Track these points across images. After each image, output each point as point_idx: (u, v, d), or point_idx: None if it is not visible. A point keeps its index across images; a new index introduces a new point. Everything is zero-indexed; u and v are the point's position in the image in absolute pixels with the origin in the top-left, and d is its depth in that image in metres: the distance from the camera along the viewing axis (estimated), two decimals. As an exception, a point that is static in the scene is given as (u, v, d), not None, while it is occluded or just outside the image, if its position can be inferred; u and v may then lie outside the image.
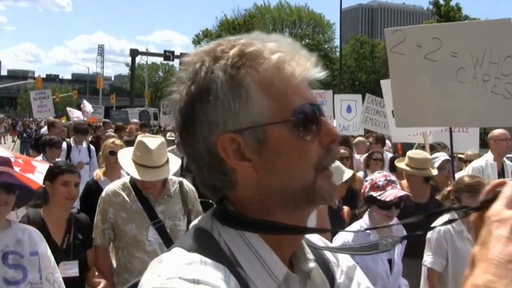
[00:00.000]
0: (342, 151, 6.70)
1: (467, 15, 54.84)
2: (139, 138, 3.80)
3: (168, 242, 3.62)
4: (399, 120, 5.41)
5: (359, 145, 10.36)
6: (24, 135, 25.94)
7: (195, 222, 1.09)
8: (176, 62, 50.64)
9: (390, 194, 3.67)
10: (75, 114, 23.41)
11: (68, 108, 26.55)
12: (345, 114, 12.76)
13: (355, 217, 5.65)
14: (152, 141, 3.71)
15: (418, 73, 5.08)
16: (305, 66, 1.01)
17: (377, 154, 8.03)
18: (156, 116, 36.10)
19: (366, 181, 3.89)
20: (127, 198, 3.76)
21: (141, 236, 3.69)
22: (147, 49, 68.46)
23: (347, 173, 4.89)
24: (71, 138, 9.81)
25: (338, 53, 58.55)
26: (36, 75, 79.69)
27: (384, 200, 3.66)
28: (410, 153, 5.75)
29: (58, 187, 3.71)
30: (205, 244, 0.98)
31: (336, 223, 5.20)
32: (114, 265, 3.93)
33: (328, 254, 1.18)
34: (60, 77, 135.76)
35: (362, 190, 3.85)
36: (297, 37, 67.27)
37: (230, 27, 59.33)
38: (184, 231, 3.72)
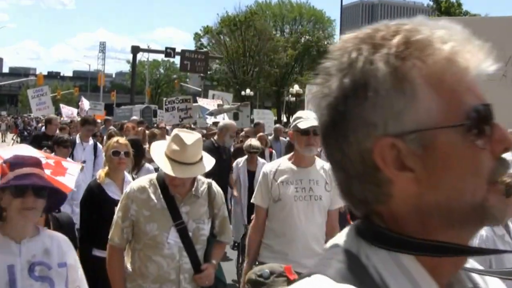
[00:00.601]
0: None
1: (468, 10, 54.86)
2: (175, 131, 3.54)
3: (188, 246, 3.45)
4: None
5: None
6: (25, 133, 25.92)
7: (335, 241, 0.91)
8: (177, 59, 50.67)
9: None
10: (65, 110, 23.33)
11: (61, 105, 26.26)
12: None
13: None
14: (189, 136, 3.44)
15: None
16: (480, 58, 0.86)
17: None
18: (156, 113, 36.13)
19: None
20: (152, 195, 3.49)
21: (161, 237, 3.42)
22: (148, 46, 68.69)
23: None
24: (77, 135, 9.24)
25: (338, 50, 58.72)
26: (37, 73, 79.84)
27: None
28: None
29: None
30: (354, 271, 0.82)
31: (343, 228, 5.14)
32: (129, 269, 3.57)
33: (476, 277, 0.99)
34: (62, 74, 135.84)
35: None
36: (298, 34, 67.55)
37: (231, 23, 59.40)
38: (206, 236, 3.56)
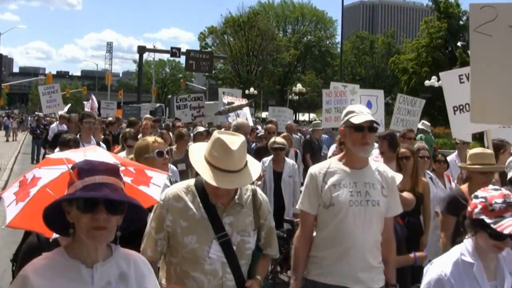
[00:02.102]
0: (402, 150, 5.76)
1: (466, 10, 55.90)
2: (216, 134, 3.06)
3: (232, 261, 3.05)
4: (476, 114, 4.63)
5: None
6: (38, 131, 24.21)
7: None
8: (182, 59, 51.31)
9: (510, 225, 2.74)
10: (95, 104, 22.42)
11: (92, 96, 24.70)
12: None
13: (413, 225, 5.34)
14: (233, 140, 3.01)
15: (507, 60, 4.31)
16: None
17: (441, 155, 7.27)
18: (163, 111, 36.83)
19: (476, 197, 2.95)
20: (190, 204, 3.07)
21: (202, 251, 3.00)
22: (154, 46, 69.79)
23: (397, 178, 3.94)
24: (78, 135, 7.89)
25: (339, 49, 59.83)
26: (46, 72, 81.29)
27: (500, 232, 2.75)
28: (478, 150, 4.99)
29: None
30: None
31: (395, 232, 4.13)
32: (164, 285, 3.13)
33: None
34: (70, 73, 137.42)
35: (470, 208, 2.94)
36: (300, 34, 68.61)
37: (235, 24, 60.51)
38: (252, 249, 3.16)
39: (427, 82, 38.89)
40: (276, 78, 62.77)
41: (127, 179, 2.49)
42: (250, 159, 3.13)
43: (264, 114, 45.08)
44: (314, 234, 3.66)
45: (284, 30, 70.37)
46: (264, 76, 60.67)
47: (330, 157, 9.20)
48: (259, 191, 3.32)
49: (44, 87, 18.53)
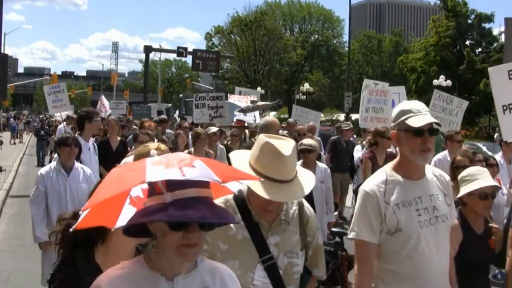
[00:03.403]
0: (459, 158, 5.32)
1: (474, 9, 55.54)
2: (264, 138, 2.64)
3: (279, 287, 2.66)
4: None
5: None
6: (42, 132, 23.47)
7: None
8: (189, 59, 51.20)
9: None
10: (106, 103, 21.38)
11: (102, 97, 23.39)
12: (390, 110, 9.78)
13: None
14: (283, 145, 2.58)
15: None
16: None
17: (493, 159, 6.90)
18: (169, 111, 36.66)
19: None
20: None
21: (245, 278, 2.59)
22: (160, 46, 69.69)
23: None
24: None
25: (346, 48, 59.46)
26: (51, 72, 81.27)
27: None
28: None
29: None
30: None
31: (484, 254, 3.70)
32: None
33: None
34: (75, 74, 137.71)
35: None
36: (307, 33, 68.31)
37: (241, 23, 60.22)
38: (300, 272, 2.77)
39: (435, 81, 38.53)
40: (283, 78, 62.52)
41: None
42: (299, 168, 2.69)
43: (271, 114, 44.74)
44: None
45: (291, 29, 70.10)
46: (271, 75, 60.44)
47: (360, 161, 8.63)
48: (305, 204, 2.87)
49: (50, 86, 17.96)
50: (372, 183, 2.95)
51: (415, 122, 2.81)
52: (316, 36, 67.78)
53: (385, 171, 3.00)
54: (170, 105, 36.82)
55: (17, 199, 13.82)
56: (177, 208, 1.63)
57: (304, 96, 46.54)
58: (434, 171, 3.08)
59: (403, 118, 2.88)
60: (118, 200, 1.93)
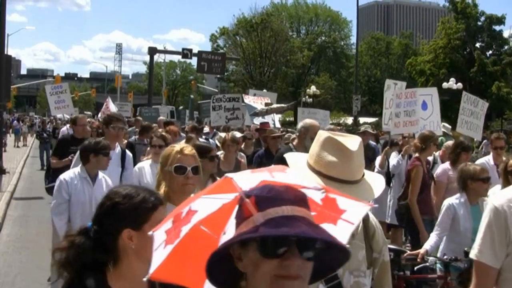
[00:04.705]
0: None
1: (484, 11, 54.84)
2: (324, 133, 2.34)
3: None
4: None
5: (447, 151, 8.15)
6: (44, 134, 22.86)
7: None
8: (194, 60, 50.80)
9: None
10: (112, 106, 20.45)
11: (109, 99, 22.48)
12: (420, 111, 10.19)
13: None
14: (347, 140, 2.30)
15: None
16: None
17: None
18: (173, 114, 36.17)
19: None
20: None
21: None
22: (164, 47, 69.25)
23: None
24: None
25: (354, 50, 58.82)
26: (55, 74, 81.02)
27: None
28: None
29: None
30: None
31: None
32: None
33: None
34: (79, 75, 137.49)
35: None
36: (314, 35, 67.76)
37: (247, 25, 59.65)
38: None
39: (445, 84, 37.92)
40: (290, 80, 61.99)
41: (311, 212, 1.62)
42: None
43: (276, 117, 44.16)
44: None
45: (298, 31, 69.57)
46: (278, 78, 59.91)
47: (409, 170, 7.42)
48: (370, 215, 2.51)
49: (52, 86, 17.40)
50: (504, 197, 2.58)
51: None
52: (323, 38, 67.22)
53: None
54: (181, 107, 36.20)
55: (21, 202, 13.95)
56: (270, 226, 1.31)
57: (311, 99, 45.98)
58: None
59: None
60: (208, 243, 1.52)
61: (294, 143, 6.48)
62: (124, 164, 6.32)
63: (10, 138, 33.54)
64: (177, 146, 3.42)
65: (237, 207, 1.42)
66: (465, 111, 10.13)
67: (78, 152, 5.62)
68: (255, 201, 1.37)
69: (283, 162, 2.23)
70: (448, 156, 7.51)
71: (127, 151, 6.59)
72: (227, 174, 1.54)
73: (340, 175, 2.21)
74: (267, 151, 8.45)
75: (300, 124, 6.45)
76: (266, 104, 13.16)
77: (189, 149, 3.38)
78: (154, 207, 2.11)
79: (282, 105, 13.41)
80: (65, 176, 5.16)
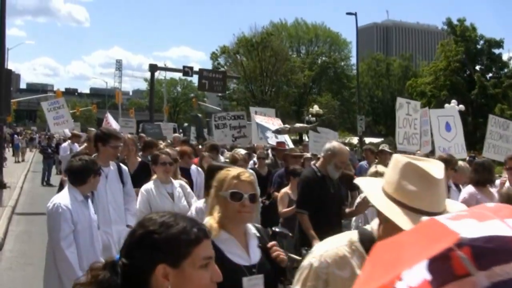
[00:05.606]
0: None
1: (483, 34, 55.23)
2: (404, 159, 2.06)
3: None
4: None
5: (461, 173, 7.42)
6: (49, 150, 22.34)
7: None
8: (194, 78, 50.73)
9: None
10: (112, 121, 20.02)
11: (108, 114, 21.78)
12: (444, 133, 10.18)
13: None
14: (433, 166, 2.03)
15: None
16: None
17: None
18: (175, 131, 36.18)
19: None
20: (358, 271, 1.95)
21: None
22: (165, 65, 69.44)
23: None
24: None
25: (354, 71, 58.97)
26: (55, 89, 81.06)
27: None
28: None
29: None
30: None
31: None
32: None
33: None
34: (79, 91, 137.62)
35: None
36: (314, 55, 67.96)
37: (247, 44, 59.75)
38: None
39: (446, 106, 37.89)
40: (292, 99, 61.98)
41: None
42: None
43: (287, 137, 44.21)
44: None
45: (298, 51, 69.77)
46: (280, 96, 59.93)
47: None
48: None
49: (48, 102, 17.11)
50: None
51: None
52: (324, 58, 67.41)
53: None
54: (185, 124, 36.12)
55: (23, 217, 13.73)
56: None
57: (314, 118, 46.05)
58: None
59: None
60: None
61: (318, 164, 6.23)
62: (123, 179, 6.05)
63: (8, 153, 32.75)
64: (233, 171, 3.09)
65: (435, 253, 0.95)
66: (493, 134, 9.78)
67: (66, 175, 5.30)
68: (471, 252, 0.93)
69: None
70: (471, 178, 6.82)
71: (122, 165, 6.26)
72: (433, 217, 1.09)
73: (426, 207, 1.94)
74: (287, 171, 8.24)
75: (327, 146, 6.10)
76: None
77: (246, 175, 3.07)
78: (197, 240, 1.73)
79: (305, 125, 13.19)
80: (64, 202, 4.62)
